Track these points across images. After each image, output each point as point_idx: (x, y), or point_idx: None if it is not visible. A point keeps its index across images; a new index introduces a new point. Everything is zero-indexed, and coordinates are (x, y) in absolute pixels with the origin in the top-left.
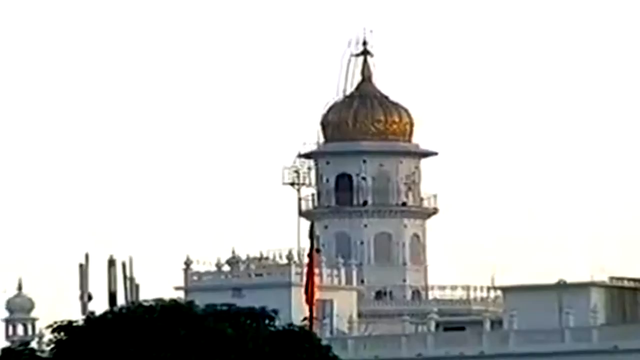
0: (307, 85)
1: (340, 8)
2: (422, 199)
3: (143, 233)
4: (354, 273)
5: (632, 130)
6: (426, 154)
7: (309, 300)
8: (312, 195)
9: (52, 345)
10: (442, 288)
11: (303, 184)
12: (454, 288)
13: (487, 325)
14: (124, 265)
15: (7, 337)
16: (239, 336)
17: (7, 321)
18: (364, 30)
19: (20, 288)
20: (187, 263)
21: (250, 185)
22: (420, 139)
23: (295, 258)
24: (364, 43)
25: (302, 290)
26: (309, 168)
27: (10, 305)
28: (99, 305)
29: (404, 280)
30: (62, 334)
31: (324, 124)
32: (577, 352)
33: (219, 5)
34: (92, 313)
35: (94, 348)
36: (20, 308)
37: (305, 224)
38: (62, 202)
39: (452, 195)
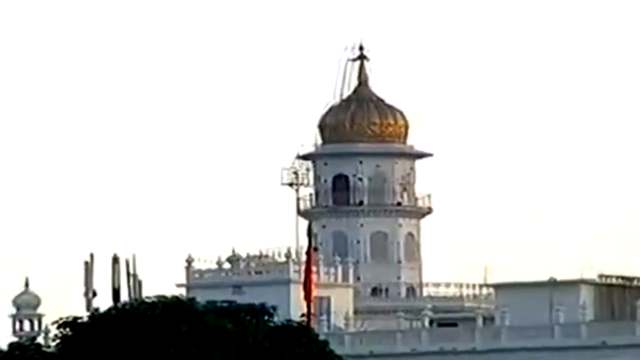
0: (306, 88)
1: (337, 14)
2: (416, 199)
3: (146, 232)
4: (351, 271)
5: (623, 130)
6: (421, 156)
7: (307, 297)
8: (310, 195)
9: (58, 341)
10: (436, 285)
11: (301, 184)
12: (447, 285)
13: (480, 321)
14: (127, 262)
15: (15, 332)
16: (239, 332)
17: (14, 317)
18: (360, 36)
19: (27, 285)
20: (189, 261)
21: (250, 185)
22: (415, 140)
23: (294, 256)
24: (361, 48)
25: (301, 287)
26: (307, 169)
27: (17, 302)
28: (103, 302)
29: (399, 278)
30: (67, 329)
31: (322, 126)
32: (566, 348)
33: (220, 10)
34: (97, 309)
35: (98, 343)
36: (26, 305)
37: (304, 223)
38: (67, 202)
39: (445, 195)
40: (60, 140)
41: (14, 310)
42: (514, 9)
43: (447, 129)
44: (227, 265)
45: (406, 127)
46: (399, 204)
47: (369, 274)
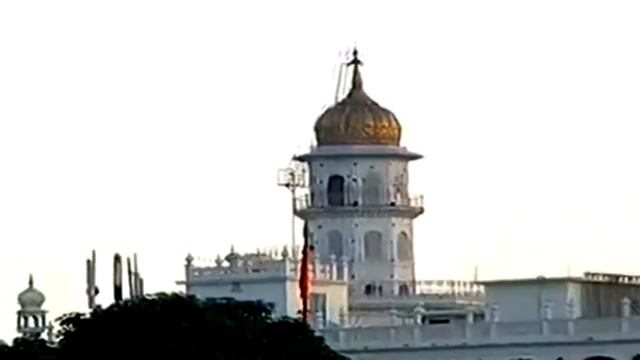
0: (302, 92)
1: (332, 20)
2: (409, 199)
3: (147, 231)
4: (345, 269)
5: (609, 132)
6: (413, 157)
7: (303, 294)
8: (306, 195)
9: (61, 337)
10: (428, 283)
11: (297, 185)
12: (439, 283)
13: (470, 318)
14: (128, 261)
15: (19, 328)
16: (238, 328)
17: (19, 314)
18: (354, 41)
19: (31, 283)
20: (189, 259)
21: (248, 186)
22: (408, 142)
23: (290, 255)
24: (355, 53)
25: (297, 284)
26: (303, 170)
27: (21, 299)
28: (105, 299)
29: (392, 276)
30: (70, 325)
31: (318, 129)
32: (554, 344)
33: (220, 15)
34: (99, 306)
35: (101, 339)
36: (31, 302)
37: (300, 222)
38: (70, 203)
39: (437, 195)
40: (64, 144)
41: (18, 307)
42: (505, 16)
43: (440, 131)
44: (225, 264)
45: (399, 129)
46: (392, 204)
47: (363, 272)
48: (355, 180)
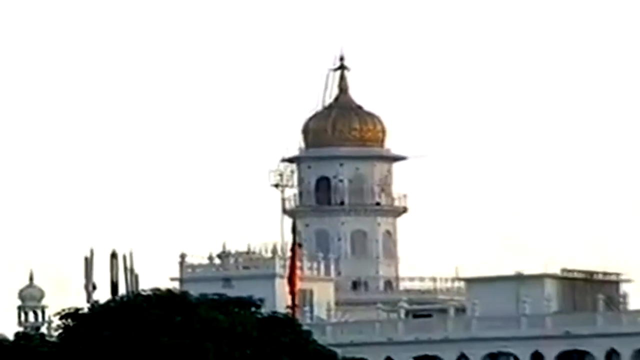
0: (290, 97)
1: (320, 28)
2: (393, 199)
3: (142, 229)
4: (332, 266)
5: (587, 132)
6: (397, 159)
7: (292, 290)
8: (295, 195)
9: (60, 331)
10: (412, 279)
11: (286, 185)
12: (422, 279)
13: (452, 312)
14: (125, 258)
15: (20, 323)
16: (229, 322)
17: (20, 309)
18: (341, 48)
19: (31, 279)
20: (182, 256)
21: (239, 186)
22: (392, 145)
23: (279, 252)
24: (341, 59)
25: (286, 281)
26: (292, 171)
27: (22, 295)
28: (103, 294)
29: (377, 272)
30: (69, 320)
31: (306, 132)
32: (532, 337)
33: (212, 23)
34: (96, 301)
35: (98, 333)
36: (31, 297)
37: (289, 221)
38: (69, 202)
39: (420, 195)
40: (64, 151)
41: (19, 302)
42: (485, 23)
43: (422, 133)
44: (217, 261)
45: (384, 132)
46: (377, 203)
47: (349, 268)
48: (341, 180)
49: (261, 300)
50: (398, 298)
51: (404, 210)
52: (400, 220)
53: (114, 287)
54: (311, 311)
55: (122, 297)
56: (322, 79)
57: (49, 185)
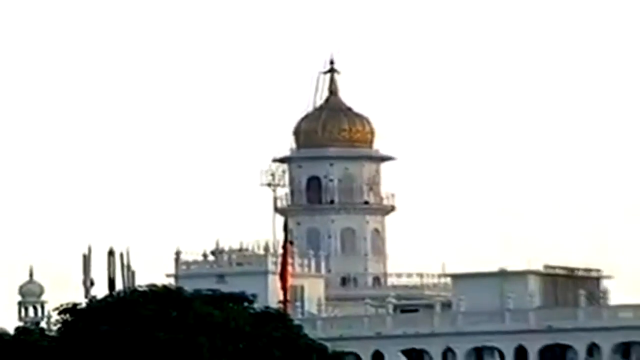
0: (282, 99)
1: (311, 33)
2: (381, 198)
3: (139, 227)
4: (322, 262)
5: (567, 131)
6: (385, 159)
7: (283, 286)
8: (286, 194)
9: (59, 325)
10: (399, 275)
11: (278, 185)
12: (409, 275)
13: (438, 307)
14: (122, 255)
15: (20, 318)
16: (223, 317)
17: (20, 304)
18: (331, 52)
19: (31, 275)
20: (177, 253)
21: (232, 186)
22: (380, 145)
23: (272, 249)
24: (331, 62)
25: (277, 277)
26: (283, 171)
27: (22, 291)
28: (100, 290)
29: (366, 269)
30: (67, 315)
31: (297, 133)
32: (516, 331)
33: (207, 28)
34: (94, 297)
35: (96, 328)
36: (31, 293)
37: (280, 220)
38: (68, 201)
39: (408, 194)
40: (64, 151)
41: (19, 298)
42: (474, 26)
43: (410, 134)
44: (211, 258)
45: (372, 133)
46: (366, 202)
47: (339, 265)
48: (331, 180)
49: (254, 295)
50: (386, 294)
51: (392, 208)
52: (388, 219)
53: (111, 283)
54: (302, 306)
55: (119, 293)
56: (313, 81)
57: (48, 185)
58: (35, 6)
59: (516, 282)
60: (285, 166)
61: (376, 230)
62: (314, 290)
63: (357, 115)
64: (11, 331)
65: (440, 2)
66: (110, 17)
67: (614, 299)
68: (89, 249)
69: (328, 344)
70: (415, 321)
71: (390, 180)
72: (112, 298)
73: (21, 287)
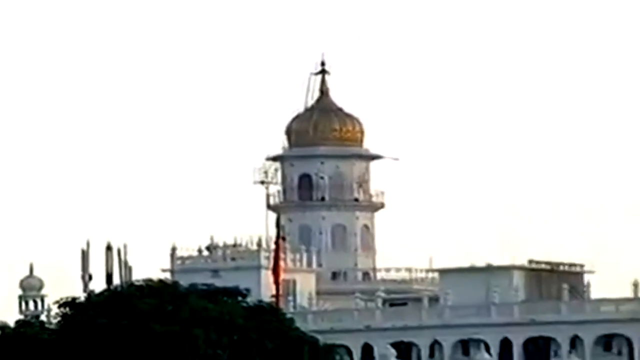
0: (274, 99)
1: (302, 35)
2: (371, 195)
3: (136, 223)
4: (314, 257)
5: (553, 128)
6: (375, 157)
7: (276, 280)
8: (279, 192)
9: (59, 318)
10: (388, 270)
11: (271, 182)
12: (397, 270)
13: (426, 301)
14: (119, 250)
15: (21, 311)
16: (217, 311)
17: (21, 298)
18: (322, 53)
19: (31, 270)
20: (173, 249)
21: (226, 183)
22: (370, 144)
23: (264, 245)
24: (322, 64)
25: (270, 272)
26: (276, 169)
27: (23, 285)
28: (98, 285)
29: (356, 264)
30: (67, 308)
31: (289, 132)
32: (501, 324)
33: (201, 29)
34: (92, 291)
35: (94, 321)
36: (31, 287)
37: (273, 216)
38: (67, 198)
39: (396, 192)
40: (63, 149)
41: (20, 292)
42: (463, 28)
43: (399, 134)
44: (206, 253)
45: (362, 132)
46: (356, 199)
47: (330, 260)
48: (322, 178)
49: (247, 290)
50: (375, 288)
51: (381, 205)
52: (378, 215)
53: (109, 277)
54: (294, 300)
55: (116, 287)
56: (305, 82)
57: (48, 182)
58: (35, 6)
59: (501, 276)
60: (277, 164)
61: (366, 226)
62: (305, 284)
63: (348, 115)
64: (12, 324)
65: (430, 4)
66: (110, 17)
67: (595, 293)
68: (87, 245)
69: (319, 337)
70: (404, 314)
71: (380, 178)
72: (110, 292)
73: (22, 282)
